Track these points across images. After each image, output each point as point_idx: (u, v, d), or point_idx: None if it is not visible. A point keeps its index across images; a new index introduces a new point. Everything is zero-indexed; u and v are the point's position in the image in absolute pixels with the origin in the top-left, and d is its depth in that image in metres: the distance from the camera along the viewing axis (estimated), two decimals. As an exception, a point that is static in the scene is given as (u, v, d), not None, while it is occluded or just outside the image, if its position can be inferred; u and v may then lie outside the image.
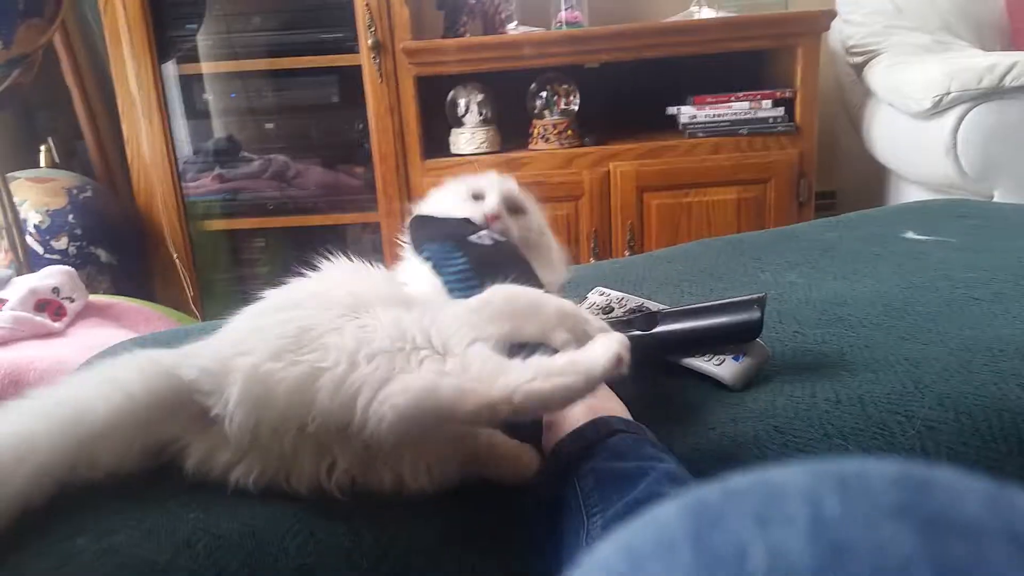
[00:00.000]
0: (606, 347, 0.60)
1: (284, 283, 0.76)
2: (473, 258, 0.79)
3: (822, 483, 0.25)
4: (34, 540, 0.59)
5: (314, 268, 0.77)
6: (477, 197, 0.90)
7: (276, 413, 0.60)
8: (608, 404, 0.69)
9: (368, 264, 0.80)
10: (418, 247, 0.84)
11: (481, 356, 0.61)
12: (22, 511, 0.58)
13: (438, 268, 0.80)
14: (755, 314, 0.78)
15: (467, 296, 0.74)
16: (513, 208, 0.91)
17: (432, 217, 0.89)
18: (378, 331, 0.63)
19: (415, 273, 0.84)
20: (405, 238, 0.89)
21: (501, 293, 0.71)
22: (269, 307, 0.71)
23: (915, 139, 2.04)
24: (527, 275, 0.80)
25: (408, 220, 0.89)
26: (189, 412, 0.63)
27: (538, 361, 0.60)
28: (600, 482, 0.59)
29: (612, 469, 0.59)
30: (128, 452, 0.62)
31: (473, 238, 0.82)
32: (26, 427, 0.60)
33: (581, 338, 0.69)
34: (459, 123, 2.21)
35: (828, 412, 0.72)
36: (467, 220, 0.86)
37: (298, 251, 2.45)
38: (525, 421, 0.64)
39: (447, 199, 0.92)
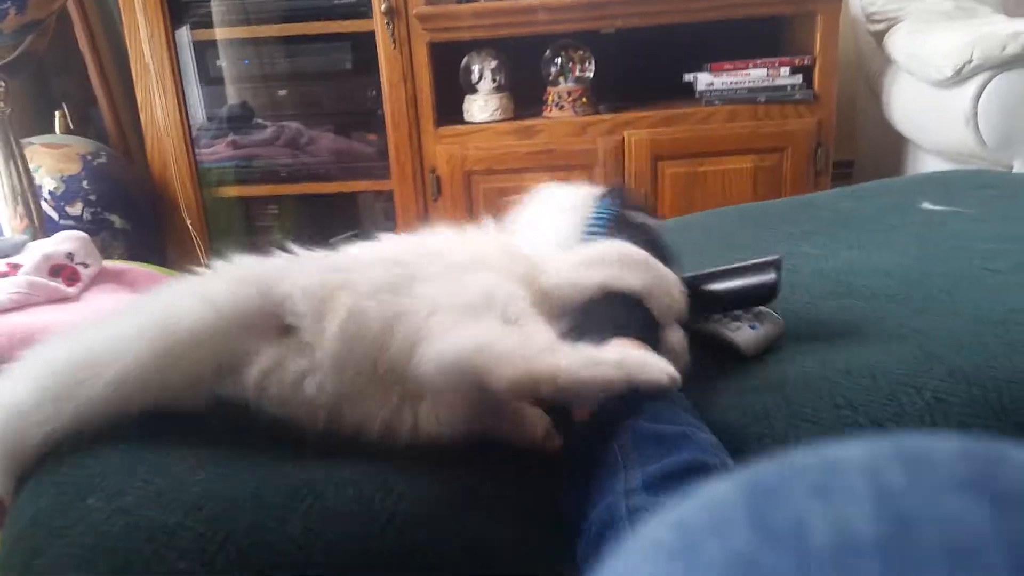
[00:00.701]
0: (663, 367, 0.62)
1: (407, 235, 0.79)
2: (617, 214, 0.82)
3: (883, 456, 0.24)
4: (46, 497, 0.60)
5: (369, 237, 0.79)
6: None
7: (363, 348, 0.62)
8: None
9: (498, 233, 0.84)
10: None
11: (540, 332, 0.63)
12: (105, 416, 0.60)
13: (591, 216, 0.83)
14: (771, 275, 0.79)
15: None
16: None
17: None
18: (468, 288, 0.65)
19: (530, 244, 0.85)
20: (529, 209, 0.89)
21: (622, 245, 0.76)
22: (385, 248, 0.75)
23: (935, 108, 2.01)
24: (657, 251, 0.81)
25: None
26: (268, 323, 0.64)
27: (590, 350, 0.62)
28: (639, 441, 0.60)
29: (651, 432, 0.60)
30: (211, 364, 0.64)
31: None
32: (117, 332, 0.62)
33: (677, 308, 0.75)
34: (473, 90, 2.19)
35: (838, 383, 0.71)
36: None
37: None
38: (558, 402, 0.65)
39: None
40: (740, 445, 0.66)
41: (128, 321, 0.64)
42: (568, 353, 0.61)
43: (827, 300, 0.90)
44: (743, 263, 0.81)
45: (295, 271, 0.67)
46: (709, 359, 0.78)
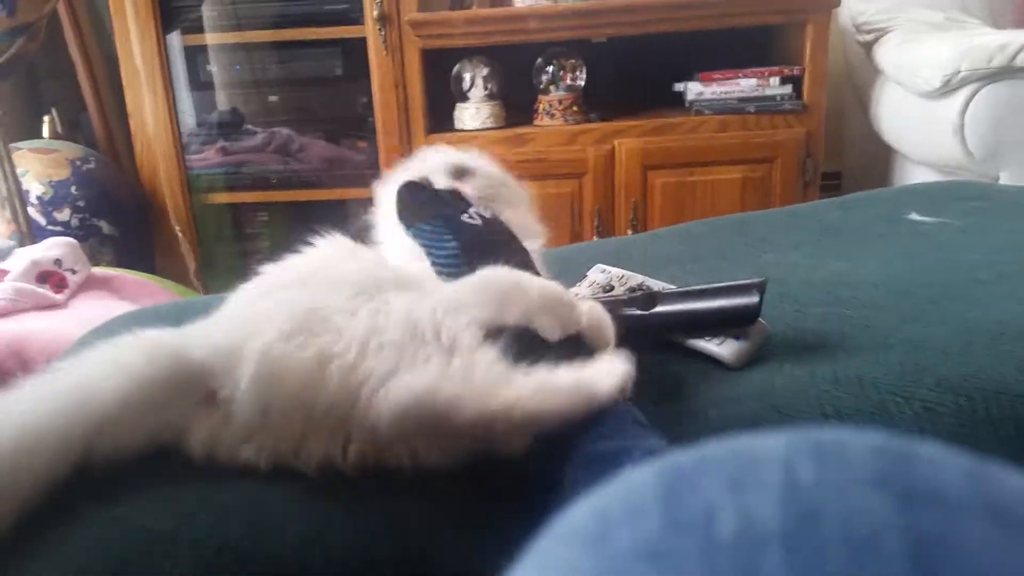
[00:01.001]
0: (612, 371, 0.61)
1: (282, 259, 0.75)
2: (464, 241, 0.77)
3: (799, 450, 0.24)
4: (40, 507, 0.59)
5: (309, 244, 0.77)
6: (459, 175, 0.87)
7: (286, 395, 0.60)
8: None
9: (357, 241, 0.80)
10: (408, 224, 0.82)
11: (486, 361, 0.61)
12: (37, 496, 0.58)
13: (429, 249, 0.79)
14: (754, 299, 0.79)
15: (454, 278, 0.74)
16: (459, 174, 0.86)
17: (422, 188, 0.84)
18: (390, 318, 0.63)
19: (398, 248, 0.83)
20: (383, 210, 0.87)
21: (485, 276, 0.71)
22: (274, 285, 0.71)
23: (923, 119, 2.03)
24: (518, 255, 0.78)
25: (395, 189, 0.84)
26: (195, 393, 0.62)
27: (542, 376, 0.61)
28: (587, 463, 0.59)
29: (596, 451, 0.60)
30: (136, 435, 0.61)
31: (464, 217, 0.80)
32: (33, 420, 0.59)
33: (566, 323, 0.69)
34: (464, 97, 2.19)
35: (826, 392, 0.71)
36: (458, 195, 0.83)
37: (300, 225, 2.43)
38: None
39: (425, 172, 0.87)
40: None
41: (47, 399, 0.60)
42: (519, 383, 0.59)
43: (815, 309, 0.91)
44: (726, 283, 0.81)
45: (207, 332, 0.65)
46: (693, 370, 0.78)
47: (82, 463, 0.59)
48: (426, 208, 0.81)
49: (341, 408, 0.60)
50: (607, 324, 0.72)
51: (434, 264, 0.78)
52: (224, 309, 0.70)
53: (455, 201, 0.82)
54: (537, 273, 0.78)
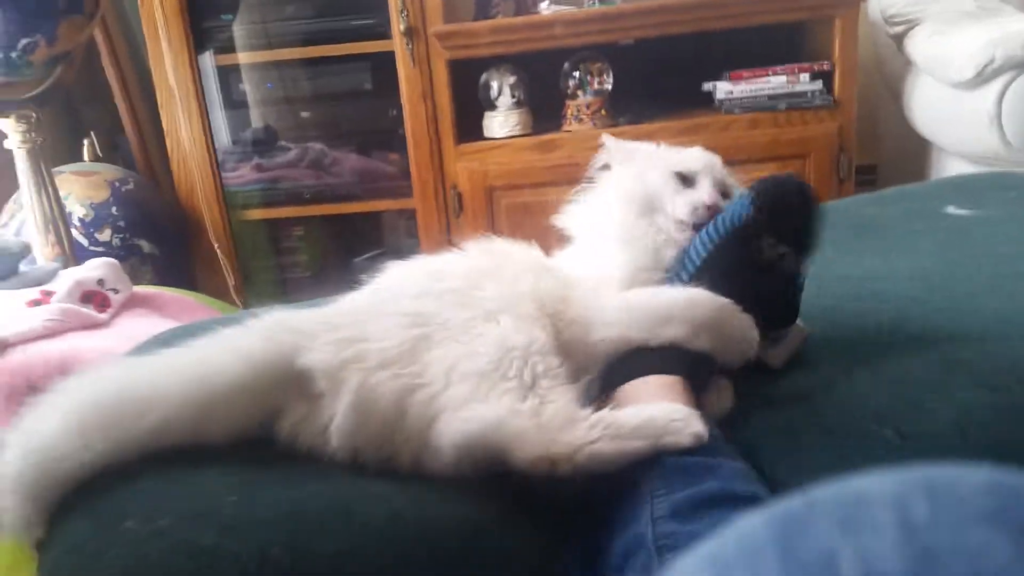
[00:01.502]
0: (685, 421, 0.61)
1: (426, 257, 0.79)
2: (714, 255, 0.75)
3: (909, 489, 0.24)
4: (84, 521, 0.61)
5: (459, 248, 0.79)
6: (686, 179, 0.81)
7: (375, 423, 0.64)
8: (683, 395, 0.68)
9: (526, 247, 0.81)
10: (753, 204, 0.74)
11: (557, 402, 0.62)
12: (139, 455, 0.62)
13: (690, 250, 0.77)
14: (792, 296, 0.78)
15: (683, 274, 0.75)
16: (724, 195, 0.81)
17: (799, 194, 0.77)
18: (483, 347, 0.65)
19: (583, 259, 0.82)
20: (576, 220, 0.86)
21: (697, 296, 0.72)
22: (407, 289, 0.74)
23: (957, 110, 1.99)
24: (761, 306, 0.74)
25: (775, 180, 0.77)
26: (299, 390, 0.66)
27: (608, 417, 0.61)
28: (665, 472, 0.59)
29: (677, 462, 0.60)
30: (244, 417, 0.66)
31: (764, 242, 0.74)
32: (152, 380, 0.64)
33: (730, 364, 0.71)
34: (492, 106, 2.20)
35: (864, 392, 0.71)
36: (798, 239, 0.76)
37: (336, 238, 2.48)
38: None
39: (650, 176, 0.82)
40: (769, 459, 0.66)
41: (169, 368, 0.66)
42: (587, 425, 0.60)
43: (852, 305, 0.90)
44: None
45: (318, 336, 0.68)
46: (735, 372, 0.78)
47: (191, 431, 0.63)
48: (779, 209, 0.75)
49: (417, 429, 0.63)
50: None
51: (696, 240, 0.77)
52: (349, 300, 0.75)
53: (796, 225, 0.75)
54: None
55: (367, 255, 2.26)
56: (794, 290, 0.76)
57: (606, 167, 0.88)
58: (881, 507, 0.24)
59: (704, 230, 0.76)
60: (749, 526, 0.26)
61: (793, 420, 0.70)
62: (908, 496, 0.24)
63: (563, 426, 0.60)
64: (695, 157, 0.83)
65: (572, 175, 0.95)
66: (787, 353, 0.79)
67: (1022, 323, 0.79)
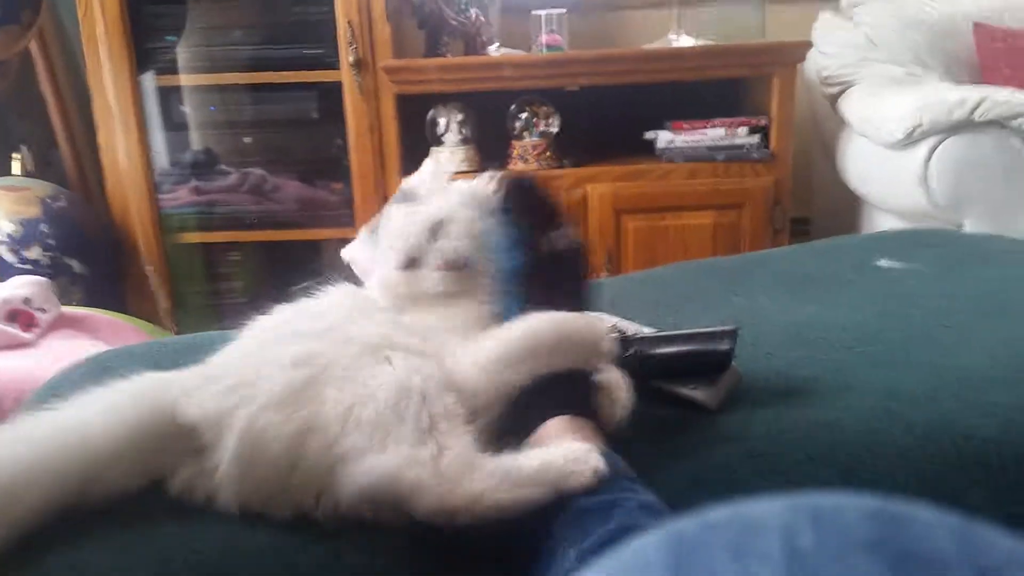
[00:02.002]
0: (583, 460, 0.60)
1: (292, 301, 0.75)
2: (529, 264, 0.77)
3: (798, 516, 0.25)
4: (7, 555, 0.58)
5: (318, 290, 0.76)
6: (412, 265, 0.78)
7: (265, 465, 0.62)
8: (581, 432, 0.68)
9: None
10: (507, 212, 0.79)
11: (455, 448, 0.61)
12: (26, 530, 0.58)
13: (499, 249, 0.78)
14: (725, 346, 0.80)
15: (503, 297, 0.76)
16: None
17: (532, 190, 0.82)
18: (380, 389, 0.63)
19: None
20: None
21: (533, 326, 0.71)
22: (285, 332, 0.71)
23: (888, 169, 2.08)
24: (575, 290, 0.77)
25: (507, 180, 0.82)
26: (184, 446, 0.64)
27: (507, 464, 0.60)
28: (575, 516, 0.59)
29: (586, 504, 0.59)
30: (128, 476, 0.63)
31: (554, 235, 0.78)
32: (32, 454, 0.61)
33: (595, 365, 0.71)
34: (438, 142, 2.21)
35: (801, 437, 0.72)
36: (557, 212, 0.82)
37: (274, 265, 2.44)
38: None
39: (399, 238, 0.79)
40: (707, 499, 0.66)
41: (43, 439, 0.62)
42: (485, 473, 0.59)
43: (787, 353, 0.92)
44: (699, 330, 0.82)
45: (198, 389, 0.66)
46: (668, 415, 0.78)
47: (76, 500, 0.60)
48: (527, 210, 0.80)
49: (315, 476, 0.61)
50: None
51: (497, 266, 0.77)
52: (226, 353, 0.71)
53: (552, 216, 0.81)
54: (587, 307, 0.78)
55: (304, 284, 2.23)
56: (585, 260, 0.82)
57: None
58: (770, 534, 0.25)
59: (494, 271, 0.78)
60: (643, 548, 0.27)
61: (730, 459, 0.71)
62: (795, 524, 0.25)
63: (461, 474, 0.59)
64: (394, 246, 0.80)
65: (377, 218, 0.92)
66: (722, 394, 0.81)
67: (951, 377, 0.82)
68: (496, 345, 0.70)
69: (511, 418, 0.70)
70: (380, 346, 0.67)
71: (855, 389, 0.81)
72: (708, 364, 0.81)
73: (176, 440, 0.64)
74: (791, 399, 0.80)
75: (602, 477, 0.60)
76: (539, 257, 0.78)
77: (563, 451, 0.62)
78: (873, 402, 0.77)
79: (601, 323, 0.75)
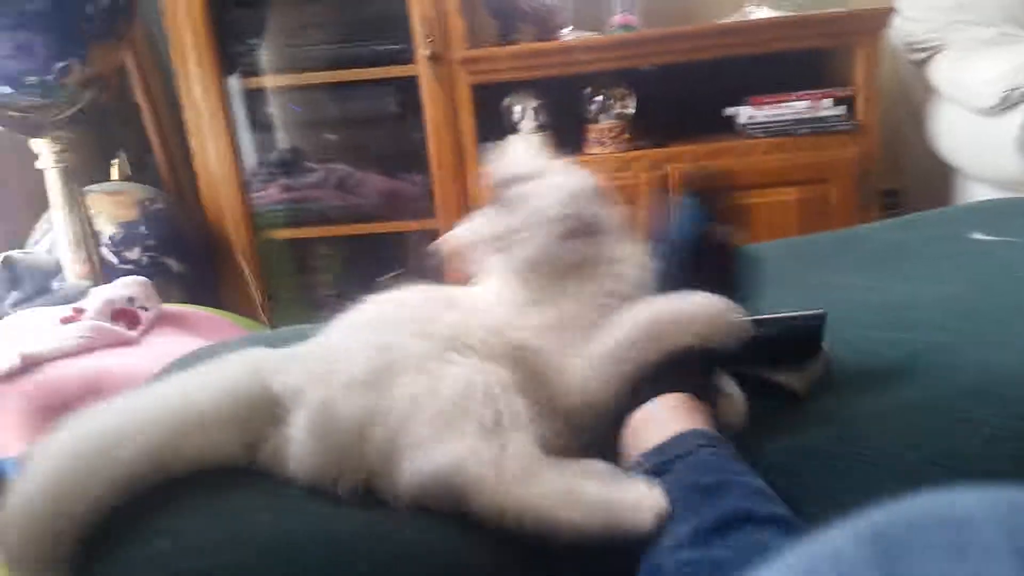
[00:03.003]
0: (649, 506, 0.58)
1: (385, 292, 0.78)
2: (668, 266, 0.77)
3: (1015, 512, 0.24)
4: (110, 547, 0.61)
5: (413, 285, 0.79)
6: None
7: (336, 442, 0.65)
8: (694, 414, 0.68)
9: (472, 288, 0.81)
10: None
11: (519, 451, 0.62)
12: (126, 489, 0.62)
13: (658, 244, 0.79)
14: (812, 331, 0.79)
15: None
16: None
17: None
18: (447, 384, 0.65)
19: (495, 291, 0.81)
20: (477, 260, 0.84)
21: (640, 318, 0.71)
22: (372, 319, 0.75)
23: (982, 136, 2.00)
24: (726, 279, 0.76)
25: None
26: (272, 416, 0.68)
27: (572, 483, 0.60)
28: (681, 495, 0.58)
29: (693, 483, 0.59)
30: (221, 444, 0.67)
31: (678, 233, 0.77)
32: (136, 412, 0.66)
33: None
34: (515, 129, 2.22)
35: (891, 418, 0.71)
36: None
37: (360, 258, 2.50)
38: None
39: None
40: (797, 484, 0.66)
41: (149, 401, 0.68)
42: (545, 484, 0.59)
43: (878, 332, 0.90)
44: (786, 314, 0.81)
45: (292, 364, 0.71)
46: (758, 398, 0.78)
47: (173, 463, 0.64)
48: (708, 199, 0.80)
49: (377, 458, 0.64)
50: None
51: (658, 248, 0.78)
52: (319, 338, 0.75)
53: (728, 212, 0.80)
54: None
55: (391, 274, 2.28)
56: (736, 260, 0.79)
57: None
58: (991, 531, 0.24)
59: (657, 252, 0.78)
60: (843, 546, 0.25)
61: (821, 443, 0.70)
62: (1016, 519, 0.24)
63: (521, 479, 0.59)
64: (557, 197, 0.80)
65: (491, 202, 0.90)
66: (811, 380, 0.79)
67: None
68: (605, 344, 0.71)
69: (629, 392, 0.70)
70: (452, 344, 0.69)
71: (949, 368, 0.79)
72: (796, 349, 0.80)
73: (267, 409, 0.68)
74: (882, 381, 0.79)
75: (663, 520, 0.58)
76: (707, 247, 0.77)
77: (633, 493, 0.60)
78: (969, 380, 0.75)
79: (722, 301, 0.72)
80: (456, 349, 0.69)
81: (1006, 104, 1.87)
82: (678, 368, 0.70)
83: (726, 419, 0.71)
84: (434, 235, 2.36)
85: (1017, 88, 1.83)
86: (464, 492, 0.60)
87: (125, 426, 0.64)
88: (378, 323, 0.74)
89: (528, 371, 0.70)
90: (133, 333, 1.52)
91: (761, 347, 0.79)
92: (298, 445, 0.65)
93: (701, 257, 0.76)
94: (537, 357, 0.72)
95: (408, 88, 2.23)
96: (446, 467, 0.61)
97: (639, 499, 0.59)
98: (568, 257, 0.76)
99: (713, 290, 0.72)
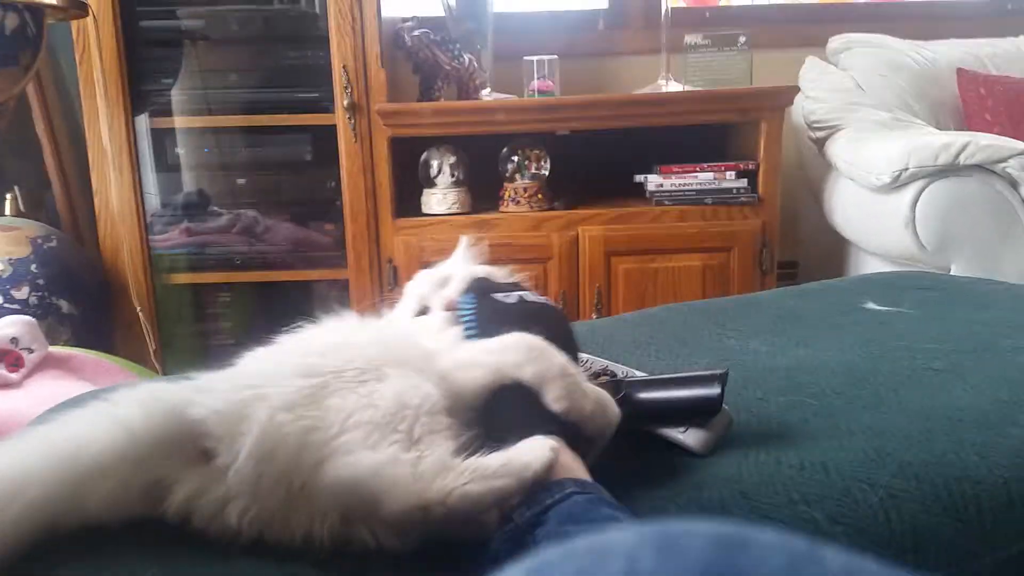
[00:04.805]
0: (540, 451, 0.64)
1: (296, 330, 0.76)
2: (483, 313, 0.81)
3: (645, 541, 0.26)
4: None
5: (319, 320, 0.78)
6: (443, 285, 0.90)
7: (278, 466, 0.61)
8: (564, 461, 0.68)
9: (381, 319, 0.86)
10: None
11: (435, 453, 0.63)
12: (9, 550, 0.56)
13: (458, 316, 0.83)
14: (715, 390, 0.80)
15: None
16: (488, 290, 0.88)
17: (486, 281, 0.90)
18: (380, 400, 0.65)
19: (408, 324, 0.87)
20: (412, 290, 0.92)
21: (515, 336, 0.75)
22: (292, 350, 0.72)
23: (875, 212, 2.10)
24: (552, 331, 0.79)
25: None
26: (187, 449, 0.62)
27: (476, 462, 0.62)
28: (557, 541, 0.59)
29: (564, 534, 0.59)
30: (125, 491, 0.60)
31: (498, 295, 0.84)
32: (20, 462, 0.58)
33: (573, 402, 0.71)
34: (431, 184, 2.23)
35: (793, 478, 0.72)
36: (514, 283, 0.90)
37: (264, 306, 2.43)
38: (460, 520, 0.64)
39: (413, 293, 0.91)
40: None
41: (35, 448, 0.60)
42: (458, 471, 0.61)
43: (777, 396, 0.92)
44: (689, 373, 0.83)
45: (208, 392, 0.65)
46: (659, 458, 0.78)
47: (62, 519, 0.58)
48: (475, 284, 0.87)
49: (311, 481, 0.61)
50: (613, 415, 0.74)
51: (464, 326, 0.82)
52: (235, 366, 0.71)
53: (502, 285, 0.88)
54: (573, 354, 0.80)
55: (295, 324, 2.23)
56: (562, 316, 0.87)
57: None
58: (616, 557, 0.26)
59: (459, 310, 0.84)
60: (510, 572, 0.28)
61: (724, 501, 0.71)
62: (642, 547, 0.26)
63: (437, 474, 0.61)
64: (451, 264, 0.95)
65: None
66: (713, 438, 0.80)
67: (944, 417, 0.83)
68: (487, 342, 0.75)
69: (491, 436, 0.70)
70: (382, 363, 0.68)
71: (847, 431, 0.81)
72: (698, 408, 0.81)
73: (178, 449, 0.61)
74: (782, 442, 0.80)
75: (554, 460, 0.63)
76: (495, 306, 0.82)
77: (523, 446, 0.65)
78: (865, 443, 0.77)
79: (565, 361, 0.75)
80: (388, 365, 0.68)
81: (897, 183, 1.98)
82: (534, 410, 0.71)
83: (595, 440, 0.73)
84: (343, 285, 2.33)
85: (907, 169, 1.95)
86: (380, 496, 0.59)
87: (9, 479, 0.57)
88: (303, 348, 0.72)
89: (447, 393, 0.71)
90: (15, 376, 1.44)
91: (664, 405, 0.81)
92: (239, 474, 0.60)
93: (490, 319, 0.81)
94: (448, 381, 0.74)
95: (325, 137, 2.21)
96: (365, 471, 0.60)
97: (534, 455, 0.63)
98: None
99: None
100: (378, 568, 0.61)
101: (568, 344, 0.81)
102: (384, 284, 2.20)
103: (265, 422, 0.61)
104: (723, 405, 0.81)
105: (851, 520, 0.67)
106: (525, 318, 0.80)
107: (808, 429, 0.83)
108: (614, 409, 0.73)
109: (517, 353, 0.73)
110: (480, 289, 0.85)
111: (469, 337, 0.80)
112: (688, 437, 0.79)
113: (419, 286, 0.92)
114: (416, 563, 0.63)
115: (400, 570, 0.62)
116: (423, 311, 0.88)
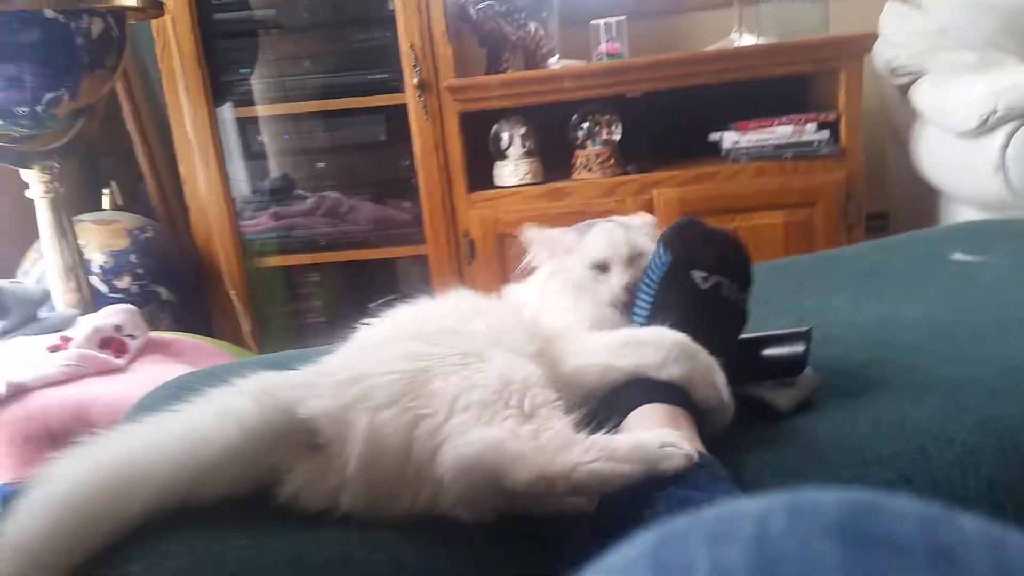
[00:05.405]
0: (677, 445, 0.62)
1: (400, 308, 0.80)
2: (664, 293, 0.80)
3: (775, 506, 0.27)
4: (92, 566, 0.61)
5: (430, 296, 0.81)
6: (601, 267, 0.86)
7: (388, 463, 0.64)
8: (678, 420, 0.70)
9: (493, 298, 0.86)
10: (665, 247, 0.82)
11: (554, 427, 0.64)
12: (133, 523, 0.62)
13: (644, 278, 0.83)
14: (799, 348, 0.80)
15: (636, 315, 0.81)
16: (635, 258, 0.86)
17: (697, 225, 0.86)
18: (484, 379, 0.66)
19: (539, 294, 0.87)
20: (540, 255, 0.90)
21: (659, 334, 0.75)
22: (397, 334, 0.75)
23: (963, 158, 2.02)
24: (719, 335, 0.78)
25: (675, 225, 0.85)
26: (297, 441, 0.66)
27: (602, 440, 0.62)
28: (672, 509, 0.59)
29: (686, 496, 0.60)
30: (240, 480, 0.65)
31: (696, 275, 0.80)
32: (149, 453, 0.64)
33: (720, 403, 0.73)
34: (502, 156, 2.24)
35: (867, 437, 0.72)
36: (722, 232, 0.85)
37: (351, 285, 2.51)
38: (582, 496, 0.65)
39: (571, 271, 0.87)
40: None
41: (157, 440, 0.65)
42: (584, 448, 0.61)
43: (858, 353, 0.91)
44: (773, 332, 0.82)
45: (314, 385, 0.69)
46: (740, 417, 0.78)
47: (183, 502, 0.63)
48: (692, 246, 0.82)
49: (425, 466, 0.64)
50: (732, 411, 0.75)
51: (639, 290, 0.82)
52: (339, 354, 0.75)
53: (716, 255, 0.82)
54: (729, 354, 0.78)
55: (381, 300, 2.29)
56: (741, 320, 0.82)
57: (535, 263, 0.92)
58: (746, 521, 0.26)
59: (639, 288, 0.82)
60: (639, 538, 0.28)
61: (796, 461, 0.71)
62: (772, 512, 0.26)
63: (560, 448, 0.61)
64: (601, 246, 0.87)
65: (582, 222, 0.97)
66: (797, 398, 0.80)
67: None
68: (625, 333, 0.76)
69: (610, 400, 0.72)
70: (487, 345, 0.71)
71: (926, 387, 0.79)
72: (786, 367, 0.81)
73: (290, 442, 0.66)
74: (861, 400, 0.79)
75: (693, 464, 0.61)
76: (690, 295, 0.79)
77: (658, 435, 0.64)
78: (944, 398, 0.76)
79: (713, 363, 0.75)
80: (490, 346, 0.70)
81: (985, 127, 1.89)
82: (677, 388, 0.73)
83: (712, 427, 0.73)
84: (424, 261, 2.37)
85: (995, 111, 1.86)
86: (504, 469, 0.61)
87: (139, 465, 0.63)
88: (406, 332, 0.74)
89: (550, 365, 0.74)
90: (120, 361, 1.52)
91: (750, 365, 0.81)
92: (354, 472, 0.64)
93: (669, 298, 0.80)
94: (554, 347, 0.76)
95: (397, 116, 2.25)
96: (486, 447, 0.61)
97: (668, 443, 0.62)
98: (591, 284, 0.85)
99: (684, 330, 0.76)
100: (455, 532, 0.64)
101: (721, 346, 0.78)
102: (462, 258, 2.23)
103: (367, 431, 0.64)
104: (808, 364, 0.80)
105: (924, 478, 0.66)
106: (704, 309, 0.78)
107: (886, 385, 0.82)
108: (732, 406, 0.74)
109: (658, 352, 0.73)
110: (682, 262, 0.80)
111: (636, 321, 0.80)
112: (774, 396, 0.80)
113: (570, 264, 0.87)
114: (496, 533, 0.65)
115: (473, 542, 0.65)
116: (603, 266, 0.85)
